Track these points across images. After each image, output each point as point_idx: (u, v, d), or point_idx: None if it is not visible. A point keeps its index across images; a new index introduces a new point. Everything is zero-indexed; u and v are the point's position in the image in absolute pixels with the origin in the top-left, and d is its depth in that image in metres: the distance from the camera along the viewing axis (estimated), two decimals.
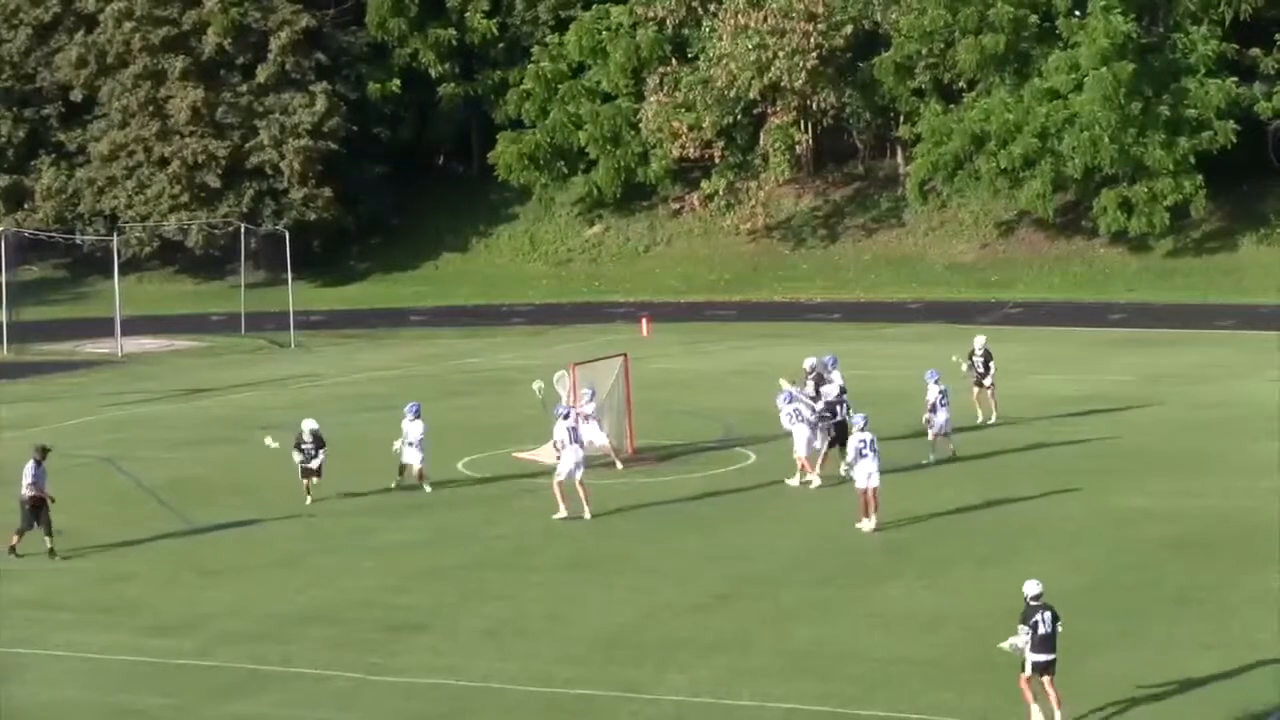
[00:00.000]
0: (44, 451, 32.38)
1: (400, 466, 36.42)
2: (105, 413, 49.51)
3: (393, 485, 36.50)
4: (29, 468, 31.89)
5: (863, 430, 32.48)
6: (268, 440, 36.80)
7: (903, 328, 65.98)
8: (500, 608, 27.53)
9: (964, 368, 42.61)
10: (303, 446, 35.87)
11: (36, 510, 31.69)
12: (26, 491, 31.69)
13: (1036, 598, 21.90)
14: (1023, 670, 21.82)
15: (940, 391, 37.85)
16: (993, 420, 42.24)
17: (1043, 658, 21.71)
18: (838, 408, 36.56)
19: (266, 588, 29.22)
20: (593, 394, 38.48)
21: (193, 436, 44.75)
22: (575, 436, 34.41)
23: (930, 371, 38.47)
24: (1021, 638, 21.75)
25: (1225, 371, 52.17)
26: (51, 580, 30.17)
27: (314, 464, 35.66)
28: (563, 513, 33.57)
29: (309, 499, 35.56)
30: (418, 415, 36.33)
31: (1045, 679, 21.75)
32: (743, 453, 39.70)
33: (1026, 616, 21.82)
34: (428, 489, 36.26)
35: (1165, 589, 27.76)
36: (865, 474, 32.09)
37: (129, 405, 51.06)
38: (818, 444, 36.23)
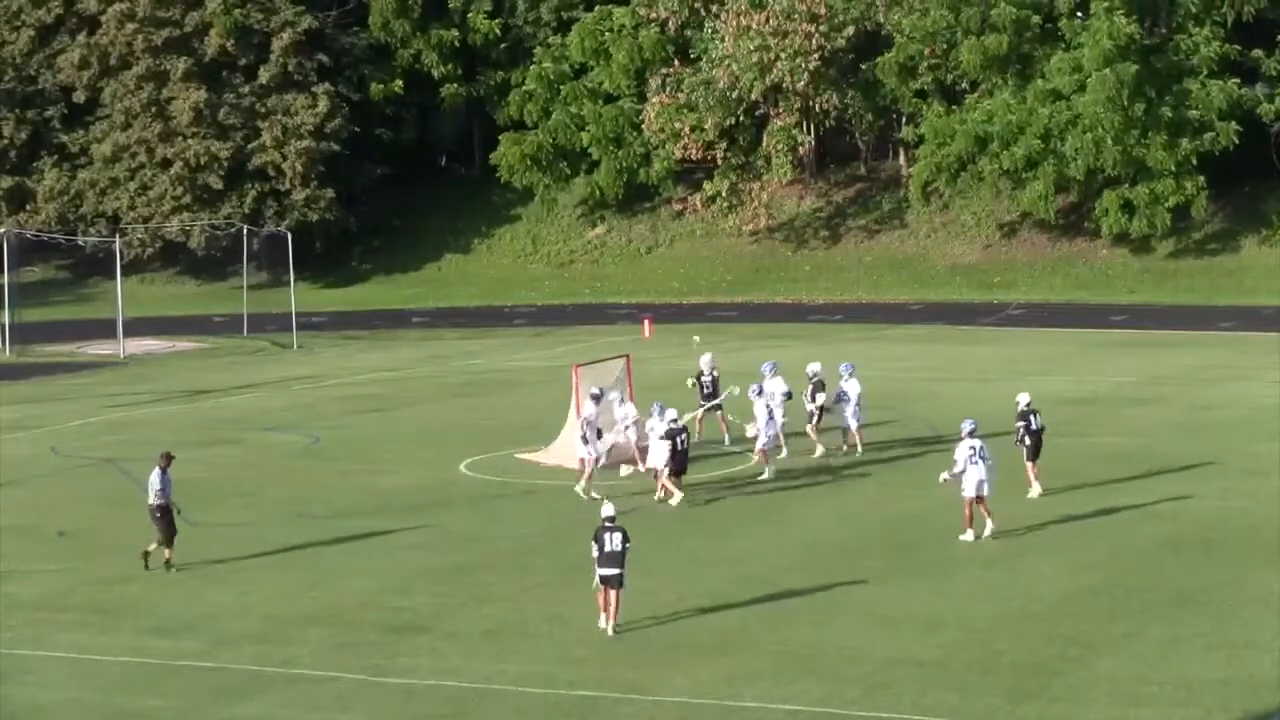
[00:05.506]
0: (169, 459, 31.44)
1: None
2: (107, 414, 49.49)
3: None
4: (155, 475, 31.07)
5: (971, 436, 31.13)
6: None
7: (905, 329, 65.97)
8: (502, 609, 27.52)
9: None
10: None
11: (164, 518, 30.86)
12: (154, 500, 30.84)
13: (610, 519, 25.51)
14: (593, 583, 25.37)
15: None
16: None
17: (607, 571, 25.29)
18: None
19: (268, 589, 29.19)
20: (601, 395, 37.78)
21: (194, 438, 44.69)
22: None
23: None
24: (595, 553, 25.22)
25: (1227, 373, 52.16)
26: (53, 581, 30.14)
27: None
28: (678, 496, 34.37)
29: (677, 497, 34.22)
30: None
31: (613, 593, 25.35)
32: (743, 454, 39.65)
33: (597, 535, 25.31)
34: None
35: (1166, 589, 27.75)
36: (974, 481, 30.90)
37: (131, 407, 51.05)
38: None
